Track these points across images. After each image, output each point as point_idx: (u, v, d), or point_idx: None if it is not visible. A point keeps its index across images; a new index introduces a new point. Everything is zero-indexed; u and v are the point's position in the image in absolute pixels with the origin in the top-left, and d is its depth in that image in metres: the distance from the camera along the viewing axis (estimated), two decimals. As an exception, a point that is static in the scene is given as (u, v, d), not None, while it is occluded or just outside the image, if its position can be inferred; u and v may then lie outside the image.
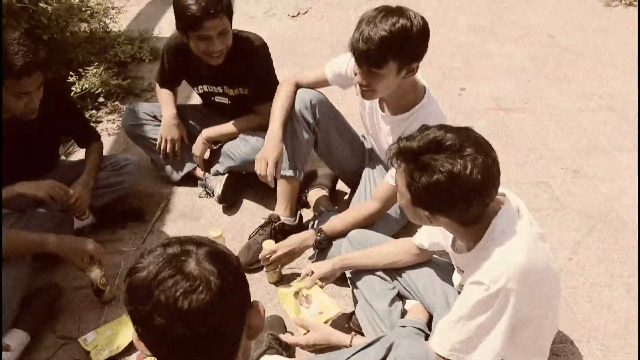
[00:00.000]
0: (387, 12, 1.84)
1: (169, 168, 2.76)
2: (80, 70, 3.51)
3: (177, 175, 2.77)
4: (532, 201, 2.64)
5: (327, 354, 1.64)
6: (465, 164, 1.30)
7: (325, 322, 1.86)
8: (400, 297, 1.98)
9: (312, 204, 2.56)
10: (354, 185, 2.52)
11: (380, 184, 2.19)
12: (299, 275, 2.24)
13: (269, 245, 2.16)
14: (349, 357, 1.50)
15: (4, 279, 1.88)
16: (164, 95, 2.72)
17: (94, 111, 3.39)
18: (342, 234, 2.13)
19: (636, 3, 4.97)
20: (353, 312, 2.04)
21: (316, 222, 2.39)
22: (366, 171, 2.45)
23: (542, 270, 1.46)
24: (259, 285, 2.26)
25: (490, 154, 1.36)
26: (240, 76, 2.54)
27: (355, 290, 2.01)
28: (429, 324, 1.88)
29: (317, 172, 2.68)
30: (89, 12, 4.08)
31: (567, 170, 2.91)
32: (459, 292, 1.70)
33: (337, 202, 2.66)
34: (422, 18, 1.88)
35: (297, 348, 1.87)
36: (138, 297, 0.90)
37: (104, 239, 2.47)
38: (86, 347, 1.94)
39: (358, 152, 2.50)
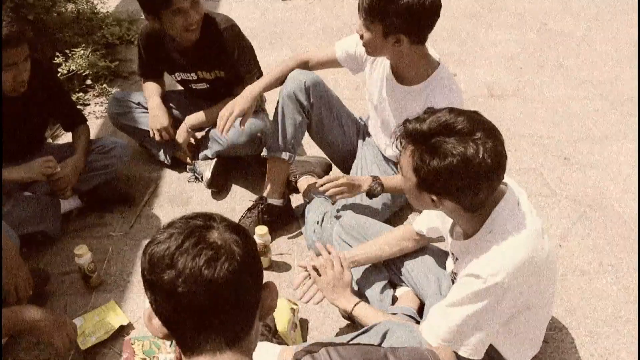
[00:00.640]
0: None
1: (160, 149, 2.74)
2: (67, 51, 3.45)
3: (168, 158, 2.75)
4: (523, 189, 2.61)
5: (320, 340, 1.63)
6: (477, 148, 1.27)
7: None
8: (392, 284, 1.98)
9: (301, 190, 2.54)
10: (346, 170, 2.50)
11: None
12: (288, 265, 2.24)
13: (261, 230, 2.13)
14: (343, 344, 1.49)
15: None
16: (148, 87, 2.71)
17: (81, 94, 3.33)
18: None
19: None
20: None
21: (306, 207, 2.37)
22: (360, 150, 2.44)
23: (540, 265, 1.45)
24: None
25: (499, 138, 1.33)
26: (213, 59, 2.51)
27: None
28: (420, 310, 1.88)
29: (310, 160, 2.66)
30: (76, -8, 4.01)
31: (558, 157, 2.91)
32: (452, 280, 1.69)
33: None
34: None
35: (289, 339, 1.85)
36: (161, 266, 0.89)
37: (91, 223, 2.44)
38: (73, 332, 1.91)
39: (352, 136, 2.47)
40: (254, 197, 2.53)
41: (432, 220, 1.78)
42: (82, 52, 3.45)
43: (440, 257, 1.89)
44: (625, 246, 2.36)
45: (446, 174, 1.30)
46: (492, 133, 1.32)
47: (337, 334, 1.95)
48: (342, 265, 1.81)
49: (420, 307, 1.90)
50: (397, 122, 2.11)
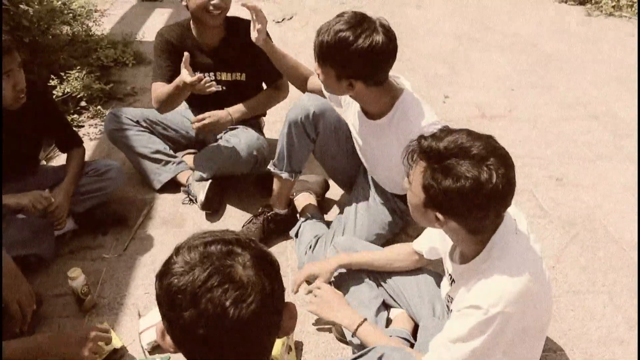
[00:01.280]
0: (353, 19, 1.82)
1: (151, 174, 2.73)
2: (62, 73, 3.46)
3: (158, 183, 2.74)
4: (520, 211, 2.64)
5: None
6: (490, 174, 1.28)
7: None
8: (386, 305, 1.98)
9: (299, 208, 2.55)
10: (346, 186, 2.52)
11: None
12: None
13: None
14: None
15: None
16: (163, 85, 2.56)
17: (75, 115, 3.34)
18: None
19: (617, 14, 5.05)
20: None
21: (301, 226, 2.38)
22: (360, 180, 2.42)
23: (539, 292, 1.45)
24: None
25: (512, 165, 1.35)
26: (236, 61, 2.54)
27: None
28: (414, 333, 1.87)
29: (308, 179, 2.67)
30: (71, 14, 4.02)
31: (550, 178, 2.93)
32: (447, 303, 1.69)
33: (326, 209, 2.66)
34: (381, 37, 1.79)
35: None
36: (181, 303, 0.85)
37: (85, 245, 2.43)
38: (66, 356, 1.90)
39: (354, 163, 2.40)
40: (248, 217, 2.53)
41: (433, 241, 1.79)
42: (77, 74, 3.47)
43: (435, 279, 1.90)
44: (618, 267, 2.37)
45: (457, 195, 1.30)
46: (505, 160, 1.33)
47: (332, 358, 1.94)
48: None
49: (415, 329, 1.89)
50: (376, 154, 2.14)
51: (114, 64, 3.95)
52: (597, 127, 3.39)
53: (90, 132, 3.25)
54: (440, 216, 1.38)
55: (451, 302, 1.62)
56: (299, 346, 1.98)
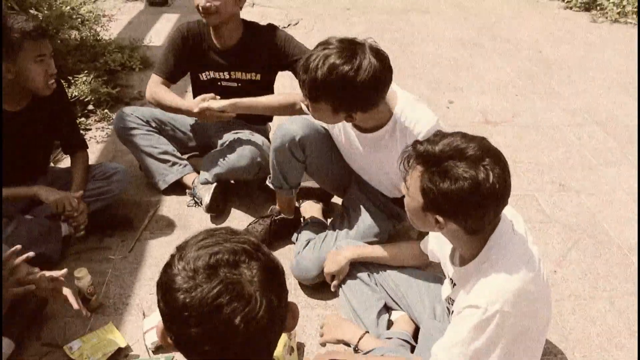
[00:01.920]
0: (344, 50, 1.72)
1: (157, 174, 2.76)
2: (70, 77, 3.51)
3: (163, 183, 2.77)
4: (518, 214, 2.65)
5: None
6: (487, 173, 1.31)
7: None
8: (387, 308, 2.00)
9: (305, 215, 2.57)
10: (340, 192, 2.53)
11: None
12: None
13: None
14: None
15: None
16: (168, 91, 2.61)
17: (83, 119, 3.38)
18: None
19: (622, 20, 5.07)
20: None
21: (299, 232, 2.41)
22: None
23: (537, 291, 1.47)
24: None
25: (506, 164, 1.37)
26: (252, 61, 2.56)
27: (343, 300, 2.02)
28: (415, 335, 1.89)
29: (313, 186, 2.67)
30: (80, 19, 4.08)
31: (554, 183, 2.95)
32: (448, 305, 1.71)
33: (331, 215, 2.67)
34: (378, 63, 1.72)
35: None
36: (188, 320, 0.82)
37: (91, 246, 2.46)
38: (72, 355, 1.92)
39: (346, 172, 2.38)
40: (253, 221, 2.56)
41: (433, 243, 1.82)
42: (84, 78, 3.51)
43: (435, 282, 1.92)
44: (619, 272, 2.38)
45: (456, 196, 1.32)
46: (499, 159, 1.36)
47: None
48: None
49: (415, 331, 1.91)
50: (374, 165, 2.12)
51: (121, 68, 3.99)
52: (600, 134, 3.40)
53: (97, 136, 3.28)
54: (440, 219, 1.40)
55: (452, 304, 1.64)
56: (301, 347, 2.00)
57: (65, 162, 2.89)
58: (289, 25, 4.93)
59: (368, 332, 1.82)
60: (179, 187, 2.79)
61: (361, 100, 1.79)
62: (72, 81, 3.48)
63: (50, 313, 2.12)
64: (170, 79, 2.64)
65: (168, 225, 2.62)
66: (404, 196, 1.49)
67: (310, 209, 2.59)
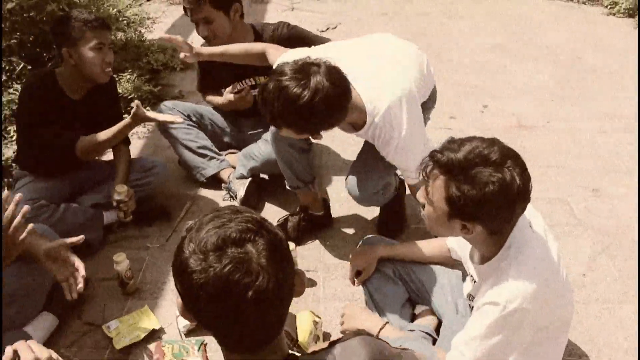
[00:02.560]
0: (293, 78, 1.75)
1: (196, 168, 2.86)
2: (115, 75, 3.65)
3: (201, 177, 2.87)
4: (549, 218, 2.65)
5: None
6: (512, 174, 1.34)
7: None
8: (411, 301, 2.04)
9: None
10: None
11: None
12: (314, 281, 2.32)
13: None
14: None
15: (33, 272, 1.94)
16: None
17: (126, 115, 3.51)
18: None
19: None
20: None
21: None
22: None
23: (556, 289, 1.50)
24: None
25: (524, 163, 1.40)
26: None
27: (366, 293, 2.07)
28: (437, 329, 1.93)
29: None
30: (125, 21, 4.25)
31: (586, 188, 2.93)
32: (469, 301, 1.75)
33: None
34: (332, 84, 1.74)
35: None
36: (203, 298, 0.90)
37: (131, 235, 2.58)
38: (109, 333, 2.04)
39: None
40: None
41: (452, 242, 1.85)
42: (128, 76, 3.67)
43: (457, 278, 1.95)
44: (650, 277, 2.36)
45: (487, 201, 1.35)
46: (518, 159, 1.39)
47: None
48: None
49: (438, 326, 1.95)
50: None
51: (163, 68, 4.13)
52: (634, 141, 3.36)
53: (139, 131, 3.41)
54: (468, 224, 1.43)
55: (473, 300, 1.67)
56: (327, 337, 2.06)
57: (108, 156, 3.02)
58: (327, 29, 4.99)
59: (389, 322, 1.86)
60: (215, 181, 2.88)
61: (320, 124, 1.85)
62: (117, 79, 3.63)
63: (90, 295, 2.25)
64: (204, 93, 2.98)
65: (203, 218, 2.71)
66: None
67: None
